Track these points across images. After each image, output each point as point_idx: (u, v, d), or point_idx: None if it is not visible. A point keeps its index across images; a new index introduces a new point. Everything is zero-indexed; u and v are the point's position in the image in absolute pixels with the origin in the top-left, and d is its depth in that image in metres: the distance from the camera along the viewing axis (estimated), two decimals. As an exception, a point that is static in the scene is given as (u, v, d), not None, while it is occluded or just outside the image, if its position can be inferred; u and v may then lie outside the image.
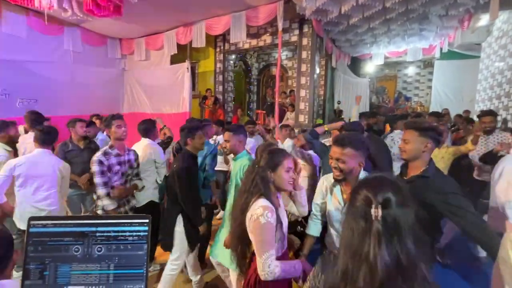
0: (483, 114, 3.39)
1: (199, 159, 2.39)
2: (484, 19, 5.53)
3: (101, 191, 2.19)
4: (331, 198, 1.53)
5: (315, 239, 1.68)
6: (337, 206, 1.49)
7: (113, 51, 6.95)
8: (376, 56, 8.74)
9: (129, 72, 7.22)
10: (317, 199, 1.64)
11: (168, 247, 2.14)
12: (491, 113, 3.31)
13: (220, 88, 7.49)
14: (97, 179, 2.19)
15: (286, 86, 9.29)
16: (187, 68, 5.96)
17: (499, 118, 5.48)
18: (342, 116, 7.88)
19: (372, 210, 0.71)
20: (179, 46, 6.16)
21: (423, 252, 0.71)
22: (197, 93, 7.60)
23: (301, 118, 6.22)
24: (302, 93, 6.19)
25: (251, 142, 3.77)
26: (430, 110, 8.44)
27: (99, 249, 0.66)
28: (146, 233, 0.68)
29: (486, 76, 7.50)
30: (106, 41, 6.76)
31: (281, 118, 6.43)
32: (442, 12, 5.29)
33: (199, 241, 2.29)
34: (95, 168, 2.17)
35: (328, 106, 8.43)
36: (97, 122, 3.97)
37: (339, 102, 8.82)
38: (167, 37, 6.20)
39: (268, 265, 1.17)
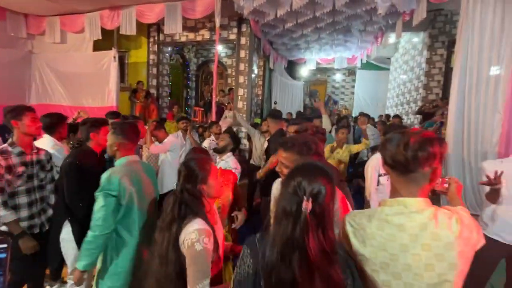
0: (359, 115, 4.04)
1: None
2: (392, 37, 6.53)
3: None
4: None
5: None
6: None
7: (16, 28, 5.70)
8: (309, 61, 9.45)
9: (39, 55, 6.04)
10: (273, 206, 1.46)
11: (55, 273, 1.81)
12: (363, 114, 4.02)
13: (154, 81, 6.94)
14: None
15: (226, 84, 9.24)
16: (114, 57, 5.33)
17: (404, 122, 6.58)
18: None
19: (304, 203, 0.76)
20: (104, 31, 5.44)
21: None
22: (127, 85, 6.87)
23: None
24: (240, 92, 6.23)
25: (172, 141, 3.31)
26: (353, 113, 9.58)
27: None
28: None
29: (394, 86, 8.92)
30: (4, 15, 5.50)
31: (219, 116, 6.33)
32: (361, 28, 6.02)
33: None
34: None
35: (266, 106, 8.71)
36: None
37: (275, 103, 9.21)
38: (89, 19, 5.41)
39: None
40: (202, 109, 7.69)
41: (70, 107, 5.66)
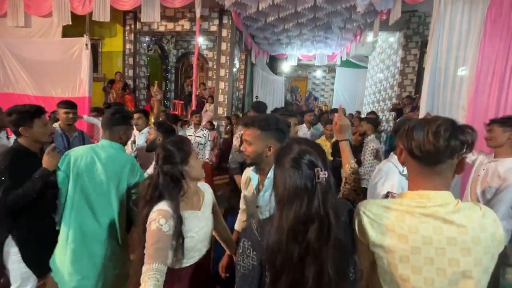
0: (331, 111, 4.10)
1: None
2: (370, 36, 6.72)
3: None
4: (248, 187, 1.43)
5: None
6: (252, 194, 1.38)
7: (-29, 8, 5.21)
8: (291, 57, 9.52)
9: (0, 40, 5.55)
10: (243, 191, 1.48)
11: None
12: (335, 111, 4.12)
13: (131, 72, 6.66)
14: None
15: (206, 77, 9.07)
16: (86, 45, 5.00)
17: (379, 118, 6.84)
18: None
19: (321, 173, 0.76)
20: (75, 17, 5.10)
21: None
22: (100, 75, 6.53)
23: (220, 110, 6.19)
24: (221, 85, 6.15)
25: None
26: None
27: None
28: None
29: (371, 83, 9.24)
30: (-43, -7, 4.99)
31: (199, 110, 6.22)
32: (341, 25, 6.14)
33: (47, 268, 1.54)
34: None
35: (247, 100, 8.68)
36: None
37: (257, 97, 9.20)
38: (57, 3, 5.04)
39: (148, 278, 0.94)
40: (182, 102, 7.51)
41: (36, 97, 5.27)
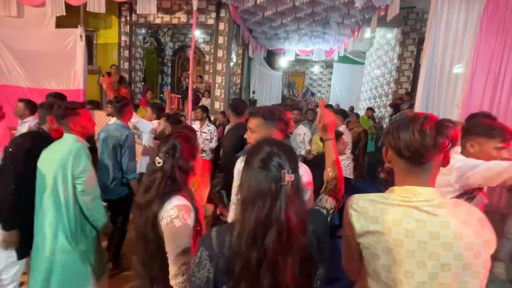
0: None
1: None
2: (368, 32, 6.70)
3: None
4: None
5: None
6: None
7: (-40, -4, 5.06)
8: (288, 52, 9.46)
9: (-9, 30, 5.42)
10: (236, 181, 1.43)
11: None
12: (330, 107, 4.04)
13: (126, 65, 6.57)
14: None
15: (203, 71, 9.00)
16: (80, 36, 4.92)
17: (375, 114, 6.88)
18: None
19: (287, 176, 0.74)
20: (69, 7, 5.00)
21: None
22: (95, 68, 6.44)
23: (217, 105, 6.16)
24: (218, 79, 6.11)
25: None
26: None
27: None
28: None
29: (368, 80, 9.25)
30: None
31: (196, 104, 6.18)
32: (339, 20, 6.11)
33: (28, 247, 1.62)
34: None
35: (244, 95, 8.64)
36: None
37: (254, 92, 9.17)
38: (51, -7, 4.93)
39: (182, 273, 1.01)
40: (179, 96, 7.45)
41: (29, 89, 5.19)
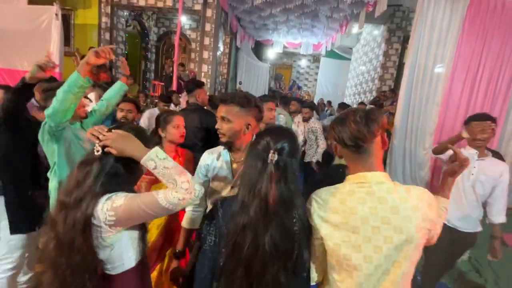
0: (303, 106, 4.07)
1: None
2: (355, 28, 6.75)
3: None
4: (218, 168, 1.30)
5: (192, 232, 1.39)
6: (227, 173, 1.28)
7: None
8: (277, 44, 9.39)
9: (-46, 2, 4.94)
10: (198, 178, 1.33)
11: None
12: (309, 105, 4.04)
13: (107, 48, 6.24)
14: None
15: (189, 59, 8.73)
16: (56, 15, 4.60)
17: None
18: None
19: (270, 154, 0.86)
20: (42, -18, 4.64)
21: (299, 197, 0.91)
22: (72, 49, 6.06)
23: (202, 94, 6.03)
24: (204, 68, 5.96)
25: None
26: (315, 99, 9.90)
27: None
28: None
29: (353, 75, 9.39)
30: None
31: (179, 92, 6.02)
32: (328, 13, 6.10)
33: (31, 226, 1.64)
34: None
35: (230, 85, 8.52)
36: None
37: (240, 83, 9.06)
38: (22, -35, 4.54)
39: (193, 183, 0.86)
40: (162, 83, 7.21)
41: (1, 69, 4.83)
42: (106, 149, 0.87)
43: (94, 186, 0.85)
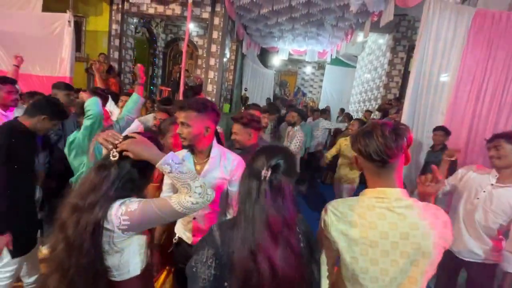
0: (291, 110, 3.93)
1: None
2: (361, 36, 6.80)
3: None
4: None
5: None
6: None
7: None
8: (282, 51, 9.48)
9: (-28, 9, 5.14)
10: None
11: None
12: (296, 110, 3.92)
13: (116, 54, 6.40)
14: None
15: (196, 65, 8.87)
16: (69, 21, 4.75)
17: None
18: (248, 103, 8.23)
19: (263, 171, 0.82)
20: (57, -10, 4.81)
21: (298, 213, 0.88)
22: (83, 55, 6.23)
23: (208, 100, 6.11)
24: (211, 74, 6.05)
25: None
26: (320, 106, 9.93)
27: None
28: None
29: (358, 83, 9.41)
30: None
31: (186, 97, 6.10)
32: (333, 22, 6.18)
33: (31, 245, 1.65)
34: None
35: (236, 92, 8.60)
36: None
37: (246, 89, 9.14)
38: (38, -26, 4.72)
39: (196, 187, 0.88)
40: (169, 89, 7.33)
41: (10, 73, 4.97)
42: (124, 153, 0.89)
43: (109, 191, 0.87)
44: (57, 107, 1.65)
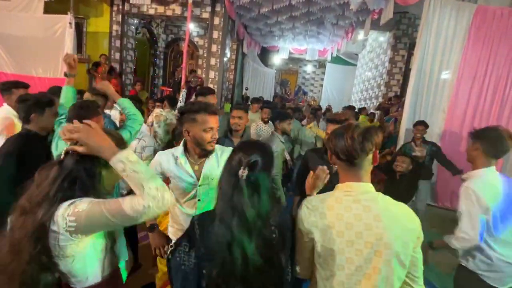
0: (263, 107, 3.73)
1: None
2: (361, 34, 6.80)
3: None
4: (180, 169, 1.40)
5: None
6: (188, 178, 1.38)
7: None
8: (283, 50, 9.48)
9: (-26, 12, 5.17)
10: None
11: None
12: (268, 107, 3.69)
13: (117, 55, 6.42)
14: None
15: (196, 65, 8.89)
16: (70, 23, 4.77)
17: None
18: (248, 103, 8.24)
19: (240, 170, 0.85)
20: (58, -8, 4.83)
21: (274, 206, 0.93)
22: (84, 57, 6.25)
23: (209, 100, 6.12)
24: (212, 74, 6.07)
25: None
26: (321, 105, 9.91)
27: None
28: None
29: (359, 81, 9.40)
30: None
31: (188, 98, 6.12)
32: (334, 21, 6.17)
33: None
34: None
35: (237, 91, 8.62)
36: None
37: (246, 89, 9.15)
38: (39, -24, 4.75)
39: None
40: (171, 89, 7.35)
41: (14, 75, 4.99)
42: (70, 147, 0.82)
43: (51, 191, 0.79)
44: (35, 100, 1.67)
